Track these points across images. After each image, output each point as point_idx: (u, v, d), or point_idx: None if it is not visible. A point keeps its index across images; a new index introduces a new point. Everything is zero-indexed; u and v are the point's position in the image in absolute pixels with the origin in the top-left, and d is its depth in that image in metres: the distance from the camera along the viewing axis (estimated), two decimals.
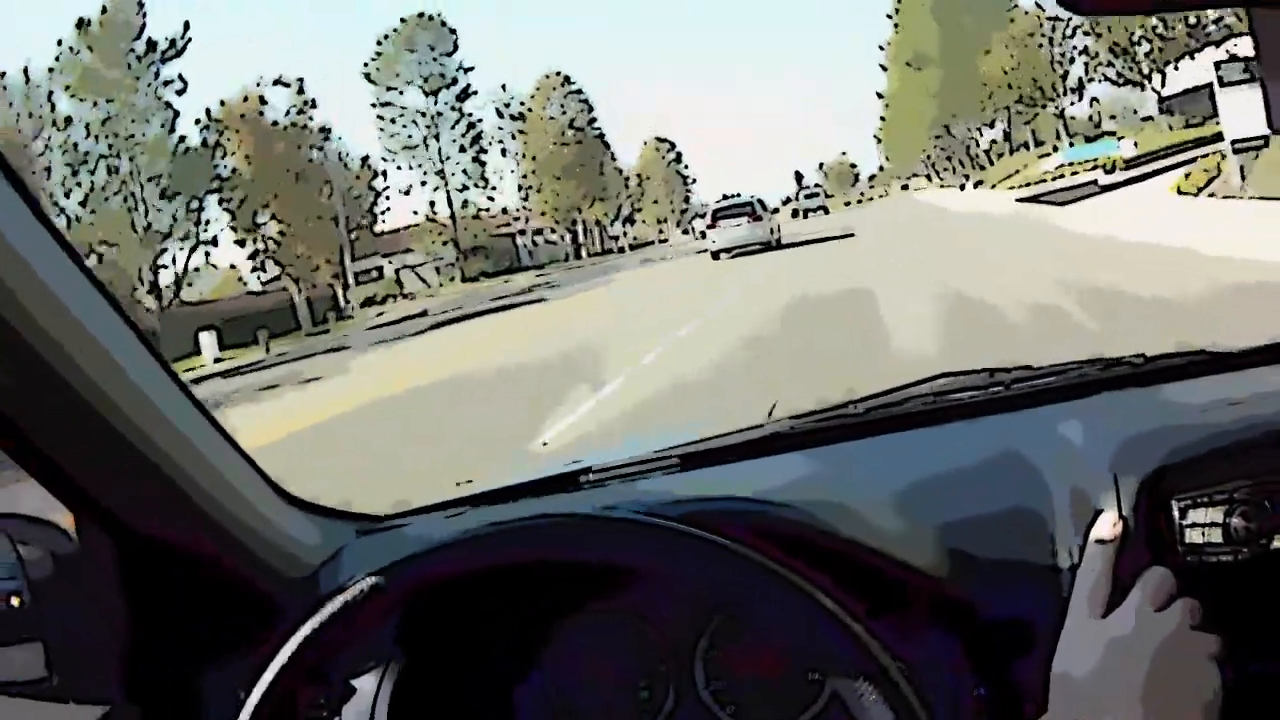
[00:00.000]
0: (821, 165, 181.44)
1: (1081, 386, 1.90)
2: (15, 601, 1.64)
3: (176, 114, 59.81)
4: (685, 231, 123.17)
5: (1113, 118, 77.89)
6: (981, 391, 1.96)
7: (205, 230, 60.22)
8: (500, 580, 1.61)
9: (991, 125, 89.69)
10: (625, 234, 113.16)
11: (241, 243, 65.33)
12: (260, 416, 19.72)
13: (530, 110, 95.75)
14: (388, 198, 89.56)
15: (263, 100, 66.75)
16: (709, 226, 47.04)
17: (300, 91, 69.52)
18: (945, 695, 1.51)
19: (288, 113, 68.19)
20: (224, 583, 1.72)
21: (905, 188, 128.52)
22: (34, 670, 1.64)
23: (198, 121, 63.92)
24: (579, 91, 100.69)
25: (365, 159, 78.31)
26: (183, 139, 61.04)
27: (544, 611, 1.80)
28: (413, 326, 41.98)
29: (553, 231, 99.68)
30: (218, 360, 44.54)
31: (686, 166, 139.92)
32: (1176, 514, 1.56)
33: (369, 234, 76.85)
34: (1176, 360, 1.93)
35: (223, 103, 64.80)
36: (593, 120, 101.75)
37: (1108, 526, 1.54)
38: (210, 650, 1.73)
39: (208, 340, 47.08)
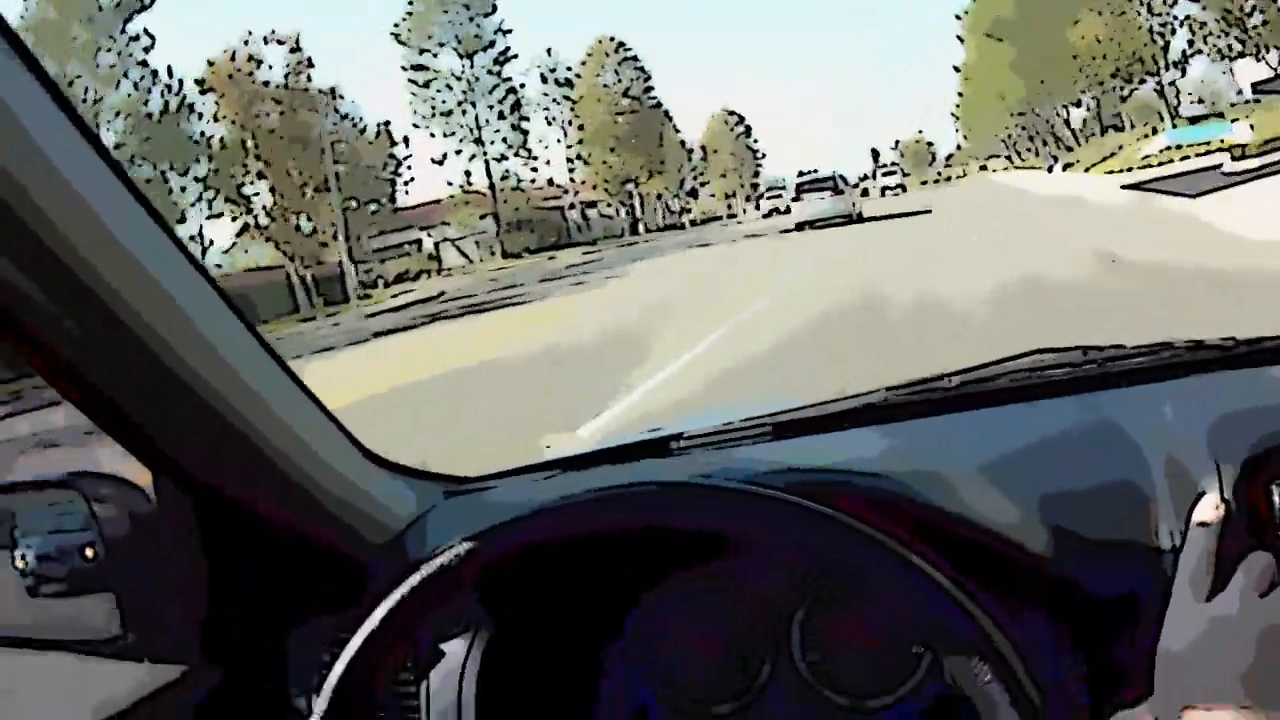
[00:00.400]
0: (898, 143, 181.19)
1: (1176, 367, 1.82)
2: (89, 553, 1.63)
3: (154, 74, 55.47)
4: (756, 206, 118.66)
5: (1199, 101, 72.19)
6: (1077, 369, 1.88)
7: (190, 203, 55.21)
8: (595, 546, 1.55)
9: (1078, 104, 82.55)
10: (689, 208, 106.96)
11: (226, 216, 60.30)
12: None
13: (580, 77, 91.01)
14: (409, 167, 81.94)
15: (255, 60, 61.49)
16: (793, 199, 49.99)
17: (296, 49, 64.04)
18: (1048, 672, 1.43)
19: (286, 76, 62.75)
20: (307, 543, 1.70)
21: (983, 168, 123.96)
22: (109, 628, 1.64)
23: (181, 83, 58.40)
24: (634, 58, 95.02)
25: (385, 125, 73.18)
26: (166, 104, 56.56)
27: (638, 579, 1.76)
28: (422, 313, 37.21)
29: (608, 205, 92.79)
30: None
31: (756, 140, 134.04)
32: (1277, 498, 1.48)
33: (387, 208, 71.83)
34: (1271, 343, 1.84)
35: (210, 63, 59.95)
36: (649, 89, 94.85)
37: (1209, 509, 1.48)
38: (293, 612, 1.75)
39: None
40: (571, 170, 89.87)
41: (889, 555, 1.38)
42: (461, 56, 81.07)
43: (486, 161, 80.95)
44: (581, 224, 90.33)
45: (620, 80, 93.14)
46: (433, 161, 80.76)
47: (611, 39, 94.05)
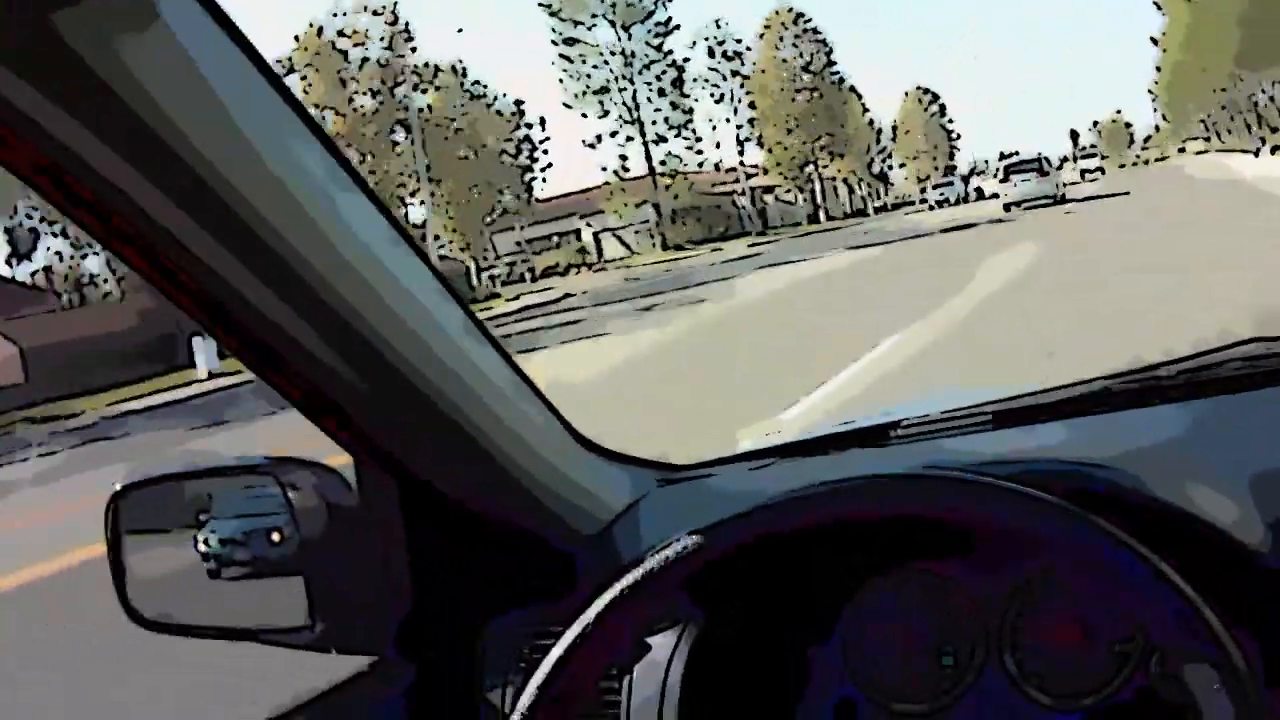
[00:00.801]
0: (1096, 124, 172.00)
1: None
2: (276, 538, 1.68)
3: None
4: (922, 198, 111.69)
5: None
6: None
7: None
8: (809, 541, 1.53)
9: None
10: (874, 194, 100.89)
11: None
12: None
13: (754, 51, 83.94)
14: (546, 151, 74.18)
15: (344, 33, 55.84)
16: (1001, 181, 53.09)
17: (394, 21, 57.99)
18: (1260, 675, 1.37)
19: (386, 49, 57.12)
20: (515, 531, 1.73)
21: (1181, 150, 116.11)
22: (295, 618, 1.66)
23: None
24: (815, 30, 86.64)
25: (519, 104, 68.01)
26: None
27: (849, 574, 1.73)
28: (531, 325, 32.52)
29: (786, 191, 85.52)
30: (213, 375, 33.52)
31: (951, 120, 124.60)
32: None
33: (520, 196, 66.66)
34: None
35: (296, 38, 54.85)
36: (831, 63, 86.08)
37: None
38: (494, 603, 1.76)
39: (202, 348, 35.46)
40: (741, 153, 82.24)
41: (1121, 549, 1.33)
42: (617, 28, 74.13)
43: (645, 144, 74.08)
44: (753, 212, 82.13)
45: (800, 54, 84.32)
46: (585, 145, 74.06)
47: (790, 9, 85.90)
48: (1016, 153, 59.71)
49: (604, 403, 13.31)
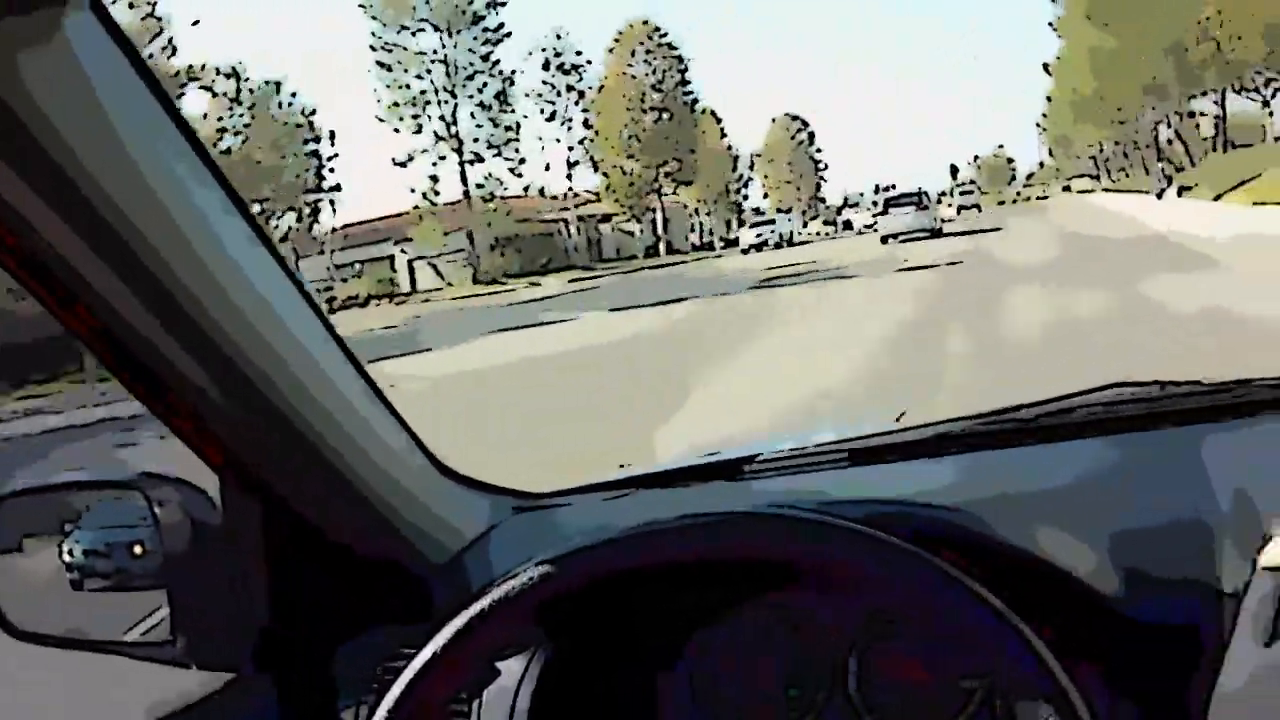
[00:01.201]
0: (976, 159, 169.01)
1: (1253, 405, 1.82)
2: (138, 550, 1.70)
3: None
4: (828, 223, 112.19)
5: None
6: (1153, 404, 1.90)
7: None
8: (658, 574, 1.58)
9: (1191, 115, 67.59)
10: (731, 226, 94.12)
11: None
12: None
13: (591, 65, 76.94)
14: (333, 170, 65.38)
15: None
16: (880, 213, 54.58)
17: (149, 14, 50.59)
18: (1105, 713, 1.45)
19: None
20: (371, 554, 1.73)
21: (1066, 189, 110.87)
22: (158, 633, 1.68)
23: None
24: (671, 46, 79.38)
25: (309, 114, 60.89)
26: None
27: (698, 607, 1.75)
28: None
29: (626, 220, 77.35)
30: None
31: (819, 150, 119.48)
32: None
33: (303, 223, 60.83)
34: None
35: None
36: (685, 81, 78.95)
37: (1277, 554, 1.47)
38: (350, 624, 1.76)
39: None
40: (570, 177, 75.56)
41: (959, 590, 1.39)
42: (441, 33, 65.39)
43: (462, 164, 65.23)
44: (581, 243, 75.04)
45: (652, 71, 78.04)
46: (395, 164, 64.72)
47: (646, 22, 78.89)
48: (893, 185, 66.71)
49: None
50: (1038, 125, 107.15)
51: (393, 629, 1.68)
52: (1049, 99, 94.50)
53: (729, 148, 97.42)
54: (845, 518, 1.49)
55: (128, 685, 1.82)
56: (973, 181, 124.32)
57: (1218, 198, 40.93)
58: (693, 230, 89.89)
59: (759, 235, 70.22)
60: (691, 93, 79.90)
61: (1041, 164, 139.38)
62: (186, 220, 1.31)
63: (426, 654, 1.44)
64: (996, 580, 1.41)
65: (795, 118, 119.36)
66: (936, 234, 49.65)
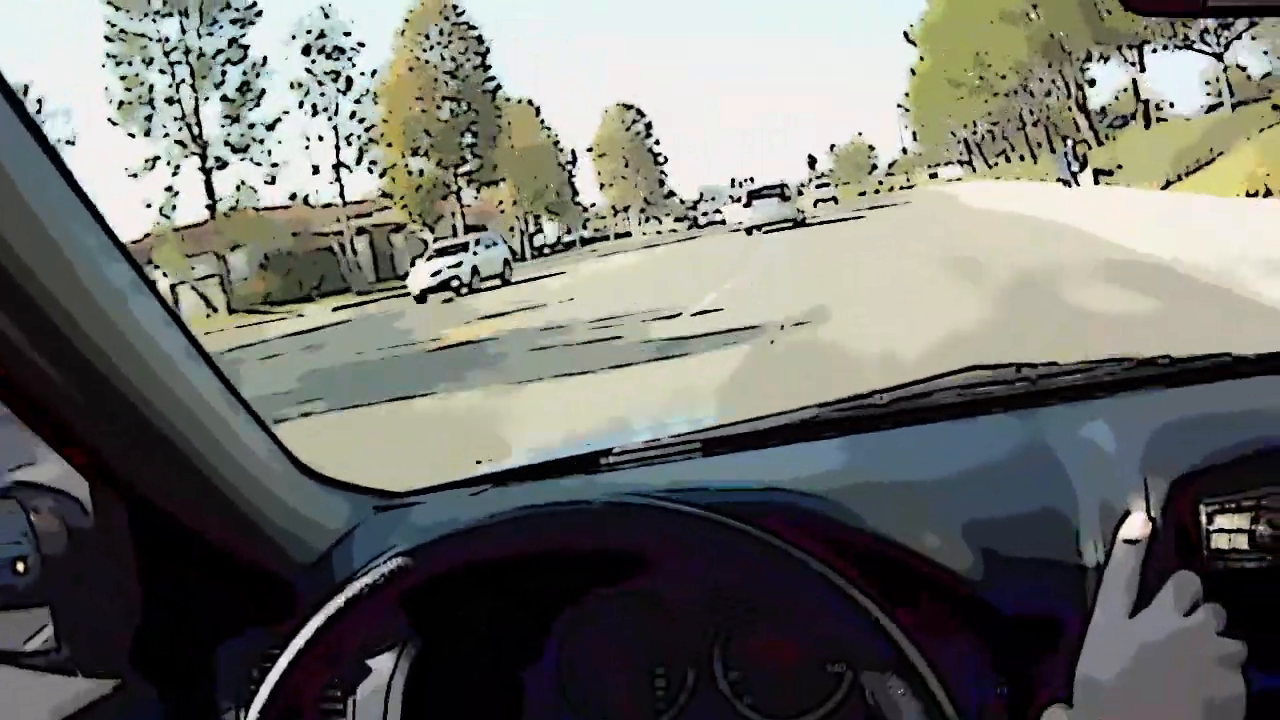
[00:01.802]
0: (833, 148, 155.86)
1: (1109, 385, 1.88)
2: (21, 567, 1.68)
3: None
4: (681, 219, 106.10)
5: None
6: (1009, 386, 1.93)
7: None
8: (520, 565, 1.62)
9: (1091, 82, 59.13)
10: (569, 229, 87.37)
11: None
12: None
13: (364, 49, 70.70)
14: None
15: None
16: (744, 205, 54.61)
17: None
18: (968, 692, 1.49)
19: None
20: (237, 557, 1.74)
21: (933, 176, 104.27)
22: (43, 641, 1.69)
23: None
24: (470, 26, 69.17)
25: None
26: None
27: (562, 595, 1.80)
28: None
29: (420, 230, 65.18)
30: None
31: (658, 142, 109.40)
32: (1204, 518, 1.55)
33: None
34: (1203, 362, 1.90)
35: None
36: (486, 66, 68.79)
37: (1136, 528, 1.53)
38: (223, 626, 1.78)
39: None
40: (338, 179, 63.36)
41: (807, 573, 1.43)
42: (182, 16, 54.46)
43: (206, 172, 54.10)
44: (354, 261, 60.82)
45: (448, 56, 67.99)
46: (129, 175, 53.34)
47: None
48: (751, 179, 69.91)
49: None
50: (899, 106, 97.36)
51: (265, 629, 1.65)
52: (913, 72, 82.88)
53: (555, 143, 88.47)
54: (697, 505, 1.51)
55: (14, 697, 1.72)
56: (830, 171, 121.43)
57: (1166, 185, 30.41)
58: (532, 236, 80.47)
59: (435, 272, 43.45)
60: (494, 79, 70.05)
61: (904, 150, 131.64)
62: (41, 225, 1.31)
63: (292, 651, 1.46)
64: (855, 565, 1.45)
65: (629, 107, 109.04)
66: (800, 224, 50.37)
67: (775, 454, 1.88)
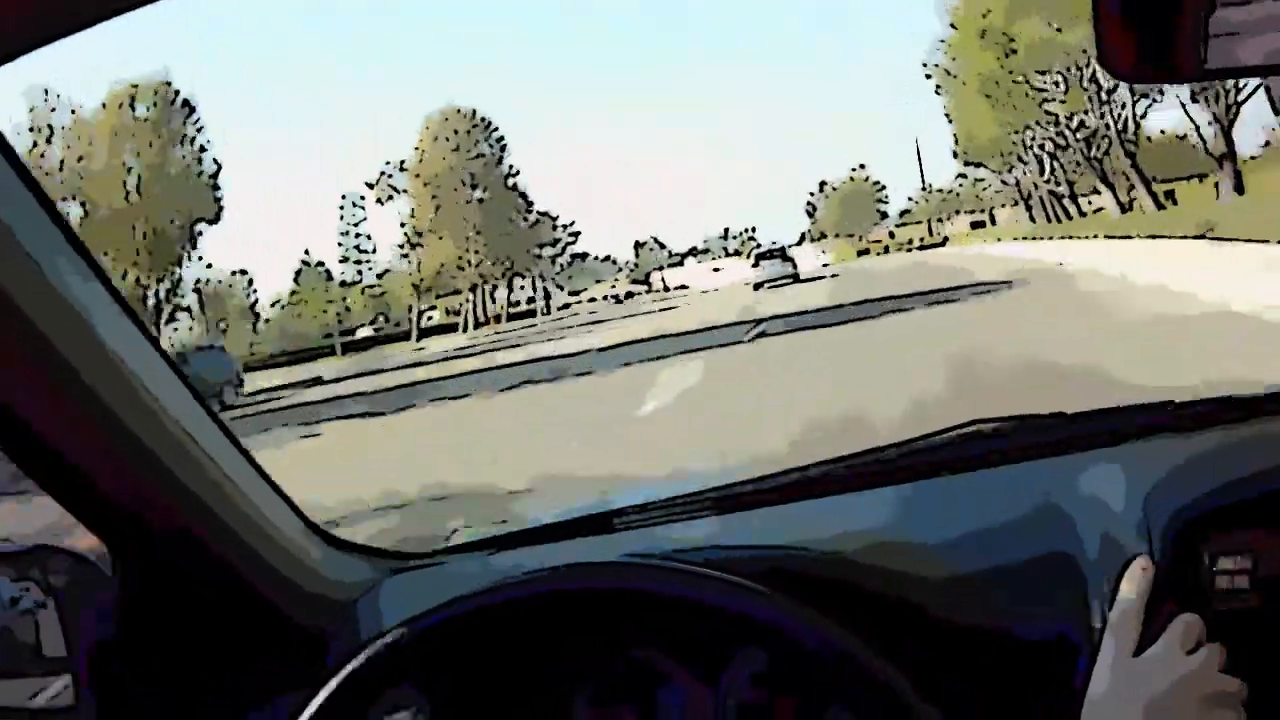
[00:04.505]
0: (823, 186, 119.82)
1: (1113, 434, 1.90)
2: (42, 630, 1.68)
3: None
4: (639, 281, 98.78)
5: None
6: (1014, 438, 1.96)
7: None
8: (535, 626, 1.66)
9: None
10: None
11: None
12: None
13: None
14: None
15: None
16: (753, 265, 59.94)
17: None
18: None
19: None
20: (255, 622, 1.77)
21: (980, 226, 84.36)
22: (63, 699, 1.69)
23: None
24: None
25: None
26: None
27: (578, 657, 1.77)
28: None
29: None
30: None
31: (518, 174, 79.09)
32: (1206, 561, 1.58)
33: None
34: (1206, 407, 1.93)
35: None
36: None
37: (1139, 573, 1.58)
38: (240, 690, 1.79)
39: None
40: None
41: (819, 632, 1.49)
42: None
43: None
44: None
45: None
46: None
47: None
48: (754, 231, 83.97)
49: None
50: (946, 116, 67.84)
51: (283, 693, 1.65)
52: (949, 57, 59.83)
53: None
54: (710, 565, 1.58)
55: None
56: (815, 217, 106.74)
57: None
58: None
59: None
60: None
61: (926, 187, 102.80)
62: (55, 291, 1.34)
63: (308, 714, 1.50)
64: (865, 622, 1.50)
65: (461, 113, 77.41)
66: (797, 279, 55.80)
67: (785, 512, 1.89)
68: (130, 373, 1.45)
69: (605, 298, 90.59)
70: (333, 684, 1.51)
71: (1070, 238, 42.39)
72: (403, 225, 75.58)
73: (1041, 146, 59.22)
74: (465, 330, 69.77)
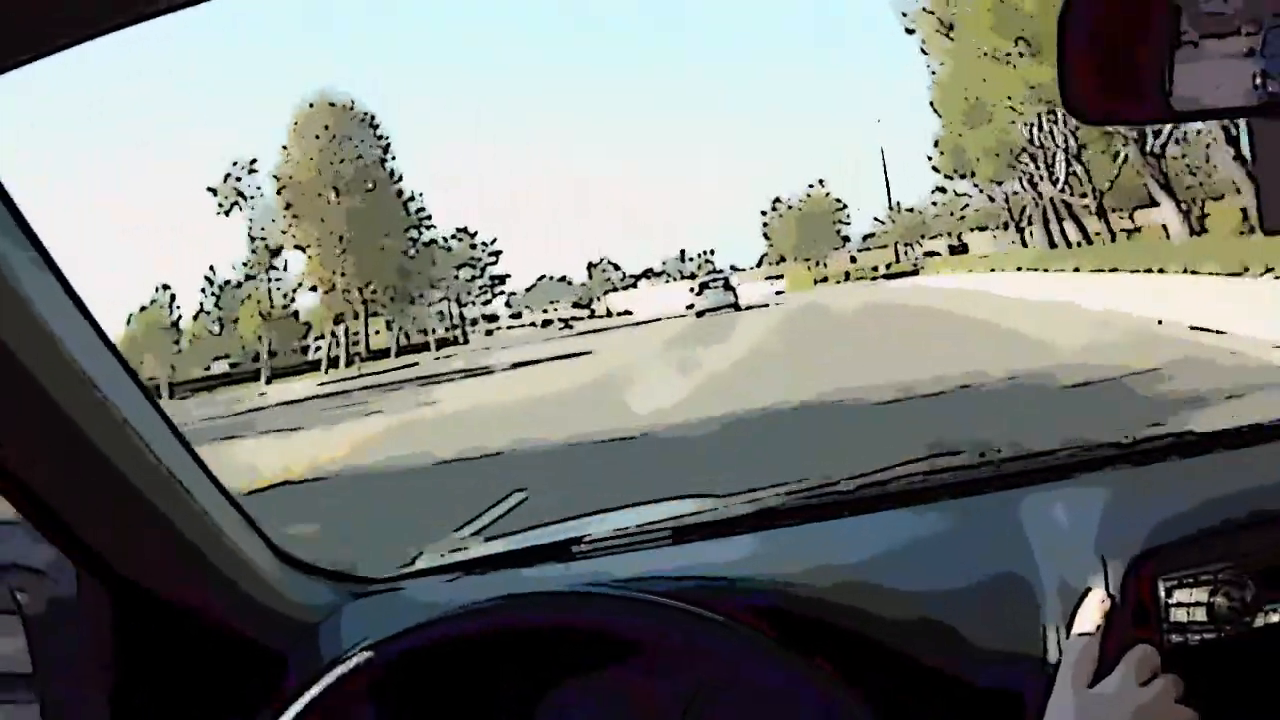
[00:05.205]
0: (777, 204, 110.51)
1: (1069, 467, 1.93)
2: (7, 649, 1.69)
3: None
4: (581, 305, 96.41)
5: None
6: (971, 471, 1.98)
7: None
8: (494, 651, 1.69)
9: None
10: None
11: None
12: None
13: None
14: None
15: None
16: (697, 294, 64.68)
17: None
18: None
19: None
20: (219, 643, 1.77)
21: (958, 250, 73.88)
22: (27, 718, 1.69)
23: None
24: None
25: None
26: None
27: (536, 683, 1.79)
28: None
29: None
30: None
31: (415, 193, 74.89)
32: (1163, 593, 1.61)
33: None
34: (1162, 441, 1.95)
35: None
36: None
37: (1095, 605, 1.61)
38: (204, 710, 1.78)
39: None
40: None
41: (775, 661, 1.53)
42: None
43: None
44: None
45: None
46: None
47: None
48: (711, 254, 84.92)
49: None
50: (931, 106, 58.83)
51: (246, 716, 1.67)
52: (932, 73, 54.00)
53: None
54: (667, 594, 1.61)
55: None
56: (769, 243, 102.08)
57: None
58: None
59: None
60: None
61: (894, 206, 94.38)
62: (19, 305, 1.34)
63: None
64: (822, 651, 1.55)
65: (336, 105, 66.91)
66: (738, 308, 59.17)
67: (743, 542, 1.91)
68: (97, 392, 1.44)
69: (541, 324, 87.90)
70: (295, 707, 1.52)
71: (1110, 270, 32.38)
72: (253, 239, 67.31)
73: (1063, 138, 46.68)
74: (325, 370, 61.24)
